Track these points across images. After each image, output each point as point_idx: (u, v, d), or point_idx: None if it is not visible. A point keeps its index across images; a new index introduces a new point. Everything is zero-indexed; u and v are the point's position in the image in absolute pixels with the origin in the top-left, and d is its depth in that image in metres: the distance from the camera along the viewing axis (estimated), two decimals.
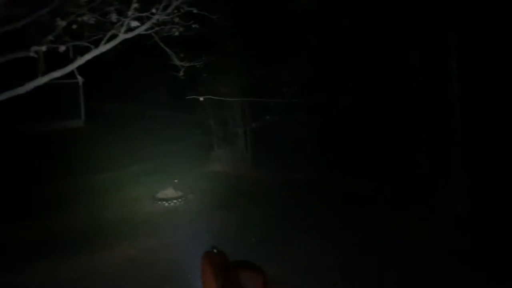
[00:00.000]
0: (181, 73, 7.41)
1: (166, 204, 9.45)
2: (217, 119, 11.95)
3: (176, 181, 10.10)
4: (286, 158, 11.22)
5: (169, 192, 9.79)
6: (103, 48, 5.86)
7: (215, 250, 0.99)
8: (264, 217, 8.54)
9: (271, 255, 6.36)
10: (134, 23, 5.94)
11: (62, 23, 5.74)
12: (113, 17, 5.92)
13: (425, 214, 8.07)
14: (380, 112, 9.59)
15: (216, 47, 10.36)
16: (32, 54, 5.69)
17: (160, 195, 9.71)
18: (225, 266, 0.91)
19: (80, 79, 6.12)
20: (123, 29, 5.89)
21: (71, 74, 6.07)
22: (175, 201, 9.53)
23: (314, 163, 10.67)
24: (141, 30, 6.10)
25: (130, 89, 20.54)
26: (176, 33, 6.99)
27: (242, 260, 0.93)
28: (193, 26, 7.12)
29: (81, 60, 5.72)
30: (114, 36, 5.93)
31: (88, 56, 5.76)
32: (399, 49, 9.12)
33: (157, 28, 6.55)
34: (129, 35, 6.04)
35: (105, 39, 5.88)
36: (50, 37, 5.76)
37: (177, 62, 7.29)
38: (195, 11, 6.65)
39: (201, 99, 8.81)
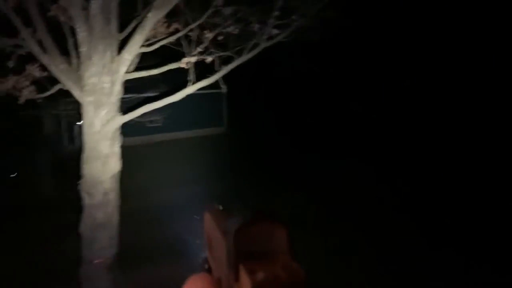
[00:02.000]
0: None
1: None
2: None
3: None
4: None
5: None
6: (246, 57, 6.09)
7: (220, 207, 0.84)
8: None
9: None
10: (275, 31, 6.05)
11: (210, 35, 6.13)
12: (256, 26, 6.12)
13: None
14: None
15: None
16: (183, 65, 6.20)
17: None
18: (233, 219, 0.73)
19: (224, 87, 6.44)
20: (264, 37, 6.04)
21: (215, 84, 6.44)
22: None
23: None
24: (281, 37, 6.19)
25: (270, 97, 21.34)
26: (315, 39, 6.95)
27: (257, 211, 0.73)
28: (331, 31, 7.00)
29: (225, 70, 6.03)
30: (255, 45, 6.12)
31: (232, 66, 6.05)
32: None
33: (294, 35, 6.58)
34: (270, 43, 6.17)
35: (248, 48, 6.10)
36: (199, 49, 6.20)
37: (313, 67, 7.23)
38: (332, 15, 6.52)
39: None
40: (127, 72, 5.87)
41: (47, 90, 6.58)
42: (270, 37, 6.15)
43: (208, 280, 0.76)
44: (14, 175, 11.93)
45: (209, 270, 0.81)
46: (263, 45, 6.08)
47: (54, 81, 6.18)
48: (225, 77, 6.41)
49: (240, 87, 15.18)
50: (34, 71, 6.59)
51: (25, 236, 8.52)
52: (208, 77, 6.09)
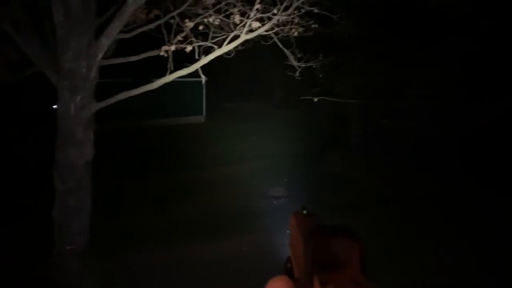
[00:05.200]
0: (297, 74, 7.39)
1: (275, 202, 9.59)
2: (332, 120, 11.74)
3: (286, 180, 10.19)
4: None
5: (279, 190, 9.93)
6: (226, 48, 6.08)
7: (304, 211, 0.89)
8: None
9: None
10: (256, 24, 6.05)
11: (190, 25, 6.10)
12: (237, 18, 6.11)
13: None
14: None
15: (336, 47, 10.12)
16: (162, 53, 6.15)
17: (271, 192, 9.90)
18: (316, 229, 0.79)
19: (203, 77, 6.43)
20: (245, 30, 6.04)
21: (194, 73, 6.41)
22: (283, 199, 9.63)
23: None
24: (262, 30, 6.20)
25: (249, 87, 21.33)
26: (296, 34, 6.98)
27: (336, 225, 0.78)
28: (313, 26, 7.03)
29: (205, 60, 6.01)
30: (236, 37, 6.11)
31: (211, 56, 6.03)
32: None
33: (277, 29, 6.61)
34: (251, 35, 6.17)
35: (228, 39, 6.09)
36: (179, 38, 6.17)
37: (294, 62, 7.28)
38: (316, 11, 6.56)
39: (315, 99, 8.68)
40: (104, 57, 5.79)
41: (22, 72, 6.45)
42: (251, 30, 6.14)
43: (288, 282, 0.77)
44: None
45: (291, 270, 0.84)
46: (244, 37, 6.08)
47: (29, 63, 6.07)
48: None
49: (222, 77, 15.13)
50: (9, 52, 6.45)
51: None
52: (187, 66, 6.06)
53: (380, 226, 8.24)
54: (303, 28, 6.91)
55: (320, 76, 9.33)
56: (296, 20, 6.74)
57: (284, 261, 0.85)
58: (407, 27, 9.71)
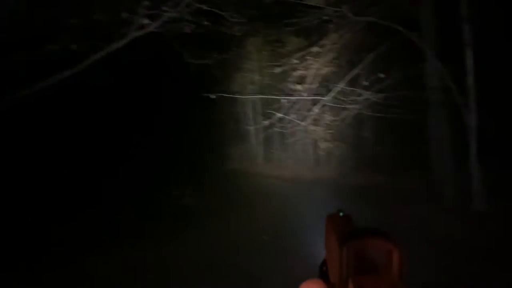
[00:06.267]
0: (192, 70, 7.40)
1: None
2: (229, 116, 11.94)
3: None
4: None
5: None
6: (114, 46, 5.88)
7: (341, 213, 0.87)
8: None
9: None
10: (145, 21, 5.94)
11: (74, 21, 5.78)
12: (124, 15, 5.93)
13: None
14: None
15: (231, 44, 10.31)
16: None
17: None
18: (352, 231, 0.77)
19: None
20: (134, 27, 5.90)
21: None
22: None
23: None
24: (152, 27, 6.10)
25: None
26: (188, 31, 6.96)
27: (374, 228, 0.76)
28: (205, 23, 7.07)
29: (89, 60, 5.74)
30: (124, 34, 5.94)
31: (98, 55, 5.78)
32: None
33: (168, 26, 6.54)
34: (140, 32, 6.04)
35: (117, 37, 5.90)
36: (63, 36, 5.80)
37: (188, 59, 7.28)
38: (205, 8, 6.62)
39: (213, 96, 8.78)
40: None
41: None
42: (141, 27, 6.02)
43: (321, 286, 0.75)
44: None
45: (326, 273, 0.81)
46: (134, 34, 5.93)
47: None
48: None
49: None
50: None
51: None
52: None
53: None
54: (194, 25, 6.91)
55: (216, 72, 9.45)
56: (187, 17, 6.72)
57: (320, 264, 0.82)
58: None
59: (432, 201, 8.99)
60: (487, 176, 8.32)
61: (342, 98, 9.75)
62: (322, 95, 10.04)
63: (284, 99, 10.35)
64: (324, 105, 10.10)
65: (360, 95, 9.11)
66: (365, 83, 9.19)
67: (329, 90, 9.87)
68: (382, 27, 8.64)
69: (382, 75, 8.96)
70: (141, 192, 9.12)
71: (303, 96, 10.29)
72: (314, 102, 10.39)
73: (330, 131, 10.60)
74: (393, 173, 11.03)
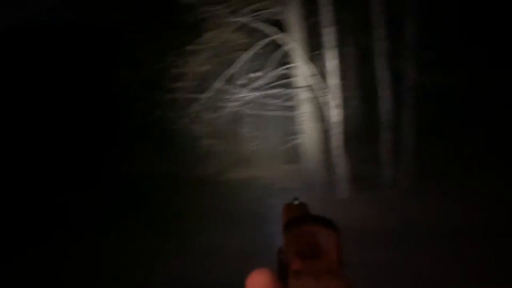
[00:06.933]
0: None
1: None
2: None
3: None
4: None
5: None
6: None
7: (296, 202, 0.91)
8: None
9: None
10: None
11: None
12: None
13: None
14: None
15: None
16: None
17: None
18: (295, 218, 0.81)
19: None
20: None
21: None
22: None
23: None
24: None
25: None
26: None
27: (316, 215, 0.81)
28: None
29: None
30: None
31: None
32: None
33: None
34: None
35: None
36: None
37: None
38: None
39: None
40: None
41: None
42: None
43: (269, 275, 0.76)
44: None
45: (283, 260, 0.81)
46: None
47: None
48: None
49: None
50: None
51: None
52: None
53: None
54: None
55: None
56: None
57: (277, 252, 0.82)
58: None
59: (302, 191, 9.82)
60: (350, 166, 9.37)
61: (221, 96, 10.01)
62: (201, 93, 10.19)
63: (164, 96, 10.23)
64: (203, 103, 10.24)
65: (237, 93, 9.45)
66: (242, 81, 9.57)
67: (207, 88, 10.05)
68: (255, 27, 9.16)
69: (257, 74, 9.43)
70: None
71: (182, 94, 10.30)
72: (193, 100, 10.46)
73: (210, 128, 10.78)
74: (269, 166, 11.72)
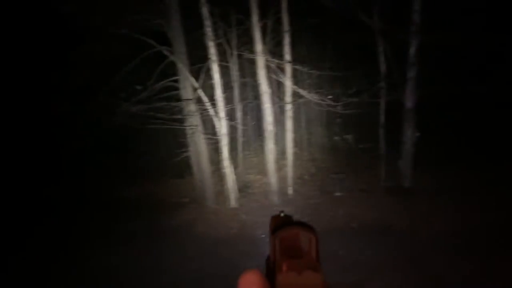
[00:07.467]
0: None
1: None
2: None
3: None
4: None
5: None
6: None
7: (282, 214, 1.02)
8: None
9: None
10: None
11: None
12: None
13: None
14: None
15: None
16: None
17: None
18: (280, 225, 0.94)
19: None
20: None
21: None
22: None
23: None
24: None
25: None
26: None
27: (299, 221, 0.95)
28: None
29: None
30: None
31: None
32: None
33: None
34: None
35: None
36: None
37: None
38: None
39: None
40: None
41: None
42: None
43: (260, 275, 0.85)
44: None
45: (271, 266, 0.91)
46: None
47: None
48: None
49: None
50: None
51: None
52: None
53: None
54: None
55: None
56: None
57: (266, 259, 0.94)
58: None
59: (195, 202, 9.84)
60: (236, 177, 9.56)
61: (104, 110, 9.55)
62: (83, 107, 9.67)
63: None
64: (85, 117, 9.72)
65: (119, 106, 9.05)
66: (123, 95, 9.19)
67: (89, 102, 9.54)
68: (139, 39, 8.85)
69: (139, 87, 9.13)
70: None
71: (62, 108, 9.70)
72: (75, 114, 9.90)
73: (94, 144, 10.25)
74: (160, 181, 11.48)
